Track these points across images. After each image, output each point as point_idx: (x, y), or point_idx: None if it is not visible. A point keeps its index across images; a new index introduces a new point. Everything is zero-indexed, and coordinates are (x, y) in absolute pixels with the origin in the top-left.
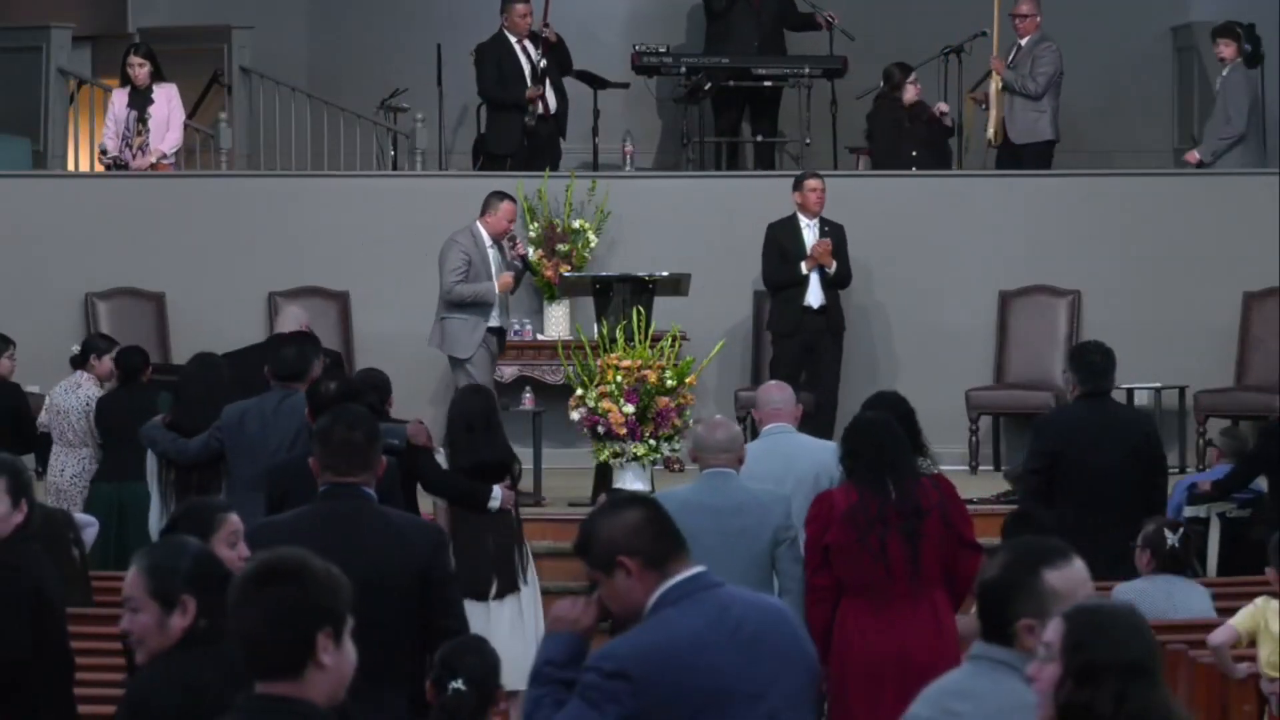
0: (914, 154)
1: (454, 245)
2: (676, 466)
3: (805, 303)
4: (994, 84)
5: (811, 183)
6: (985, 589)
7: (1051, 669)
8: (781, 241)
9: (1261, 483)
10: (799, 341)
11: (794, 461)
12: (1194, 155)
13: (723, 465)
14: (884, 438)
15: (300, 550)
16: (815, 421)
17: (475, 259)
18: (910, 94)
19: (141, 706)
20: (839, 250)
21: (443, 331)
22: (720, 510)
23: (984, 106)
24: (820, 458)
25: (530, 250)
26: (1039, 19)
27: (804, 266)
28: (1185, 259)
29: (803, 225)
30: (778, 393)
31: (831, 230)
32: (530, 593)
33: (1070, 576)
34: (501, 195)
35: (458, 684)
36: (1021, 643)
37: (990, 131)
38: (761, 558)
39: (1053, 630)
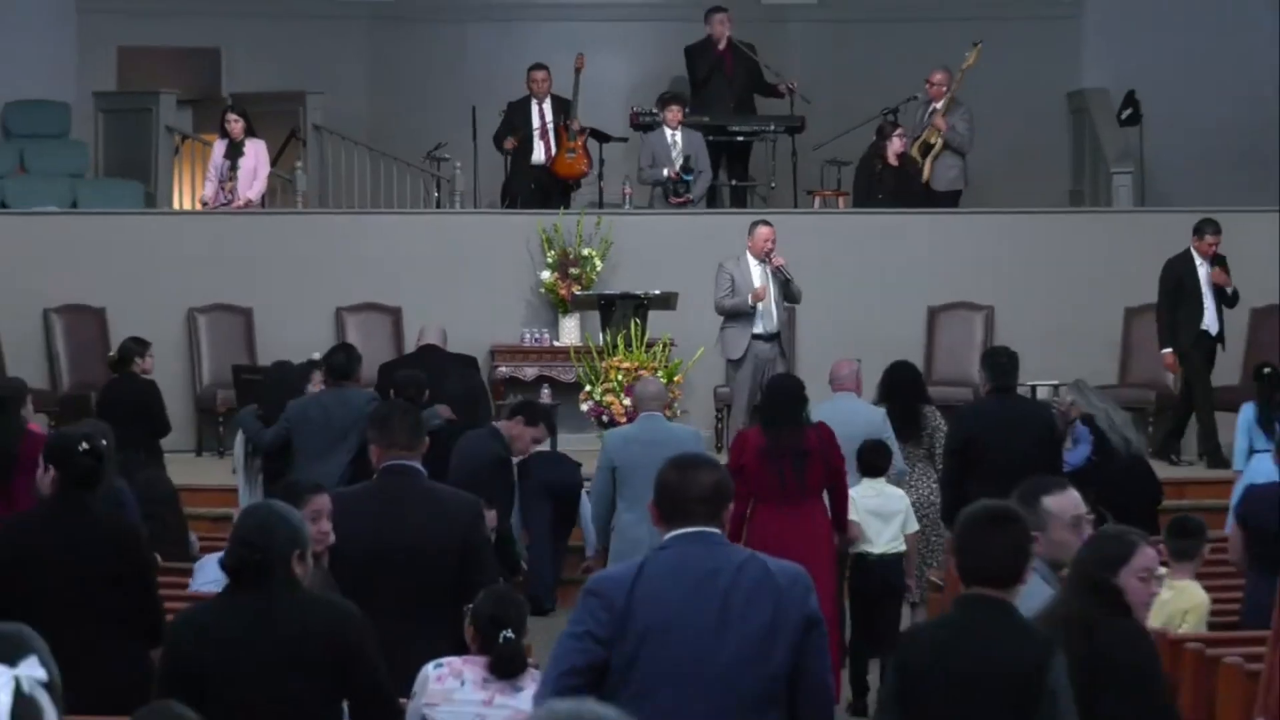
0: (879, 197)
1: (721, 269)
2: None
3: (1203, 327)
4: (937, 143)
5: (1210, 237)
6: None
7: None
8: (1179, 274)
9: None
10: (1195, 356)
11: (852, 417)
12: None
13: (653, 410)
14: (782, 400)
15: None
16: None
17: (737, 277)
18: (896, 146)
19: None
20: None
21: (722, 338)
22: (651, 442)
23: (921, 163)
24: (870, 416)
25: (548, 273)
26: (948, 88)
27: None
28: (1077, 280)
29: (1198, 263)
30: (845, 369)
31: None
32: None
33: (1062, 501)
34: (756, 222)
35: (509, 634)
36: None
37: (924, 177)
38: None
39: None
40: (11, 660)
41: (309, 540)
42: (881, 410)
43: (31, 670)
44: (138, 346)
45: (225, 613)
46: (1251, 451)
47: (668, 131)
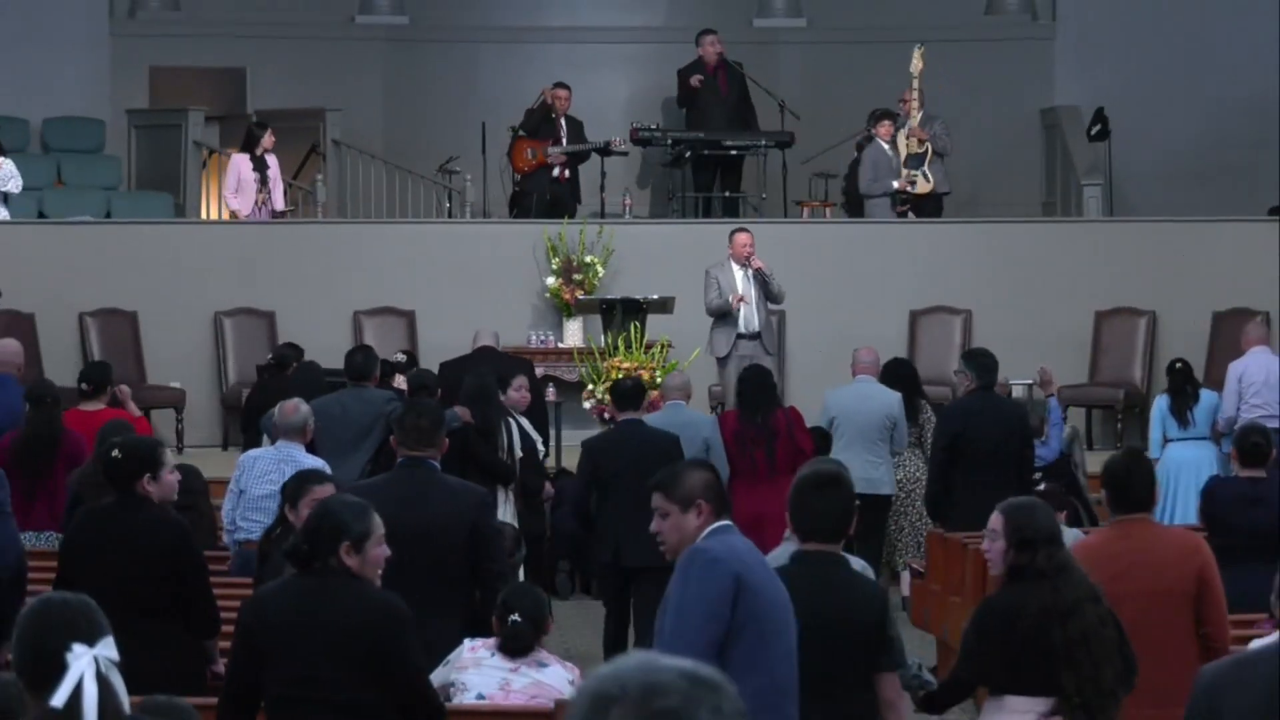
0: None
1: (708, 274)
2: None
3: None
4: (926, 149)
5: None
6: None
7: (999, 544)
8: None
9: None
10: None
11: (871, 401)
12: None
13: (676, 399)
14: (757, 387)
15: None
16: None
17: (722, 281)
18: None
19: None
20: None
21: (710, 338)
22: (674, 425)
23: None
24: (888, 399)
25: (553, 279)
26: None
27: None
28: (1050, 286)
29: None
30: (867, 356)
31: None
32: None
33: None
34: (735, 230)
35: (515, 618)
36: None
37: (929, 187)
38: (698, 453)
39: (995, 520)
40: (90, 639)
41: (365, 533)
42: (898, 394)
43: (108, 651)
44: (292, 352)
45: (283, 594)
46: (1166, 440)
47: (883, 145)
